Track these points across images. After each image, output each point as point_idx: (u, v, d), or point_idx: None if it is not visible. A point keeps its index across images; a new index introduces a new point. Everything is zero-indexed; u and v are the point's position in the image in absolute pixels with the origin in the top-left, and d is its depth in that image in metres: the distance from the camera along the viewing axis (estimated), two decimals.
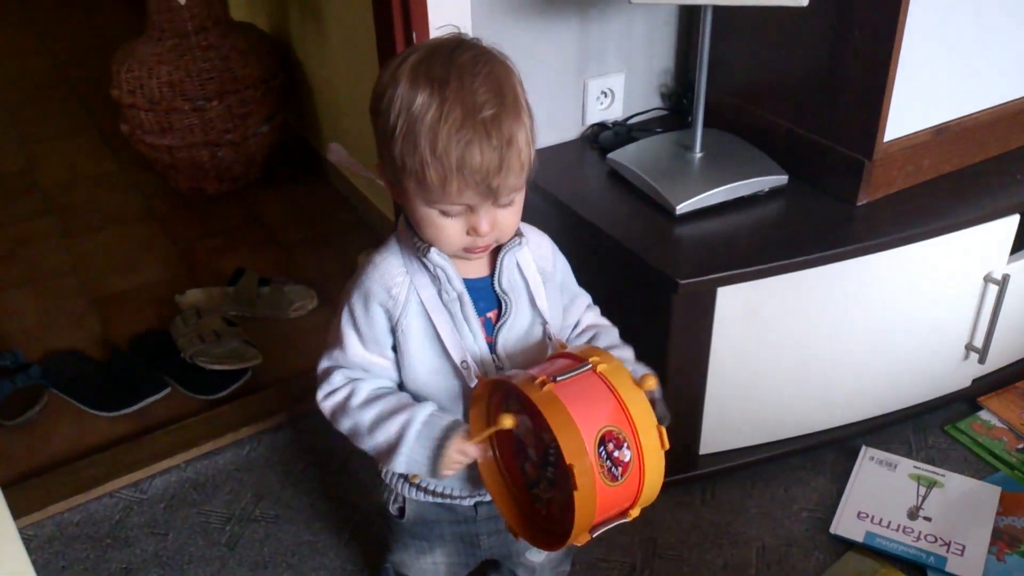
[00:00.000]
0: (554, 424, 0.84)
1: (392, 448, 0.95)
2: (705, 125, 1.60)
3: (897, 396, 1.69)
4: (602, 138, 1.74)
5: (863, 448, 1.66)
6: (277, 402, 1.79)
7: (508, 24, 1.61)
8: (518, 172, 0.88)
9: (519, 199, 0.93)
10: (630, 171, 1.59)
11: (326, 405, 1.01)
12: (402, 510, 1.13)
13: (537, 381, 0.87)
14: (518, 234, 0.98)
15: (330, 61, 2.39)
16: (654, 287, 1.42)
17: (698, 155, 1.60)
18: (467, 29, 1.57)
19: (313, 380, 1.02)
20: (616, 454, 0.86)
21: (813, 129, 1.57)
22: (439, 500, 1.09)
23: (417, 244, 0.95)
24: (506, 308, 0.99)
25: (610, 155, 1.65)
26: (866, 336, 1.58)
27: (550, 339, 1.01)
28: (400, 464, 0.96)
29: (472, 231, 0.90)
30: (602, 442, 0.86)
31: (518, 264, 1.00)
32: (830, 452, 1.68)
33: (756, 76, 1.67)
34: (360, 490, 1.63)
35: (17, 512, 1.55)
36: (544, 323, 1.01)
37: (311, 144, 2.70)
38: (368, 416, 0.98)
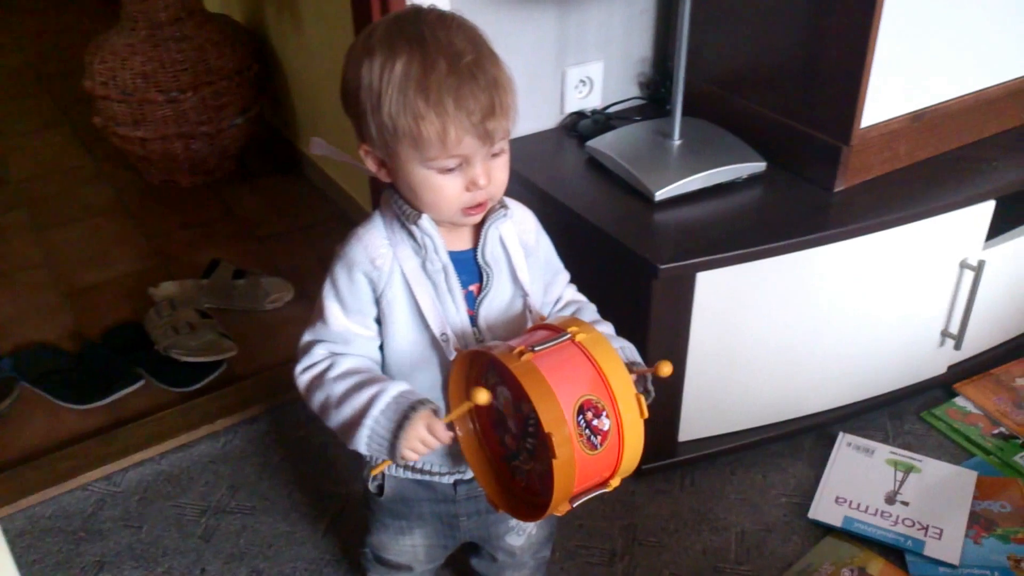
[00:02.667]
0: (532, 394, 0.83)
1: (356, 421, 0.92)
2: (684, 113, 1.60)
3: (874, 383, 1.69)
4: (581, 126, 1.74)
5: (840, 434, 1.67)
6: (253, 393, 1.77)
7: (487, 10, 1.60)
8: (508, 112, 0.88)
9: (507, 151, 0.93)
10: (609, 158, 1.59)
11: (303, 379, 0.99)
12: (381, 487, 1.12)
13: (515, 351, 0.86)
14: (503, 205, 0.98)
15: (306, 52, 2.38)
16: (634, 273, 1.42)
17: (676, 142, 1.60)
18: None
19: (290, 372, 1.00)
20: (595, 423, 0.86)
21: (791, 116, 1.57)
22: (418, 477, 1.09)
23: (406, 212, 0.94)
24: (487, 280, 0.98)
25: (588, 143, 1.64)
26: (843, 322, 1.58)
27: (530, 312, 1.01)
28: (361, 440, 0.92)
29: (471, 185, 0.90)
30: (581, 411, 0.85)
31: (501, 237, 1.00)
32: (808, 438, 1.68)
33: (735, 64, 1.67)
34: (338, 480, 1.61)
35: None
36: (525, 295, 1.01)
37: (286, 136, 2.68)
38: (340, 387, 0.96)
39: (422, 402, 0.91)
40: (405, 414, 0.90)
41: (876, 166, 1.56)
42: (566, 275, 1.11)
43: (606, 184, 1.58)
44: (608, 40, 1.77)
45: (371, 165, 0.95)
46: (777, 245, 1.42)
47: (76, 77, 2.44)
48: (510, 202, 1.01)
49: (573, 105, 1.78)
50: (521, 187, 1.60)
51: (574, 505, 0.90)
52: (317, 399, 0.98)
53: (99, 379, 1.81)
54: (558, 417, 0.83)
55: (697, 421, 1.60)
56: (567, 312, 1.08)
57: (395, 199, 0.96)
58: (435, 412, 0.91)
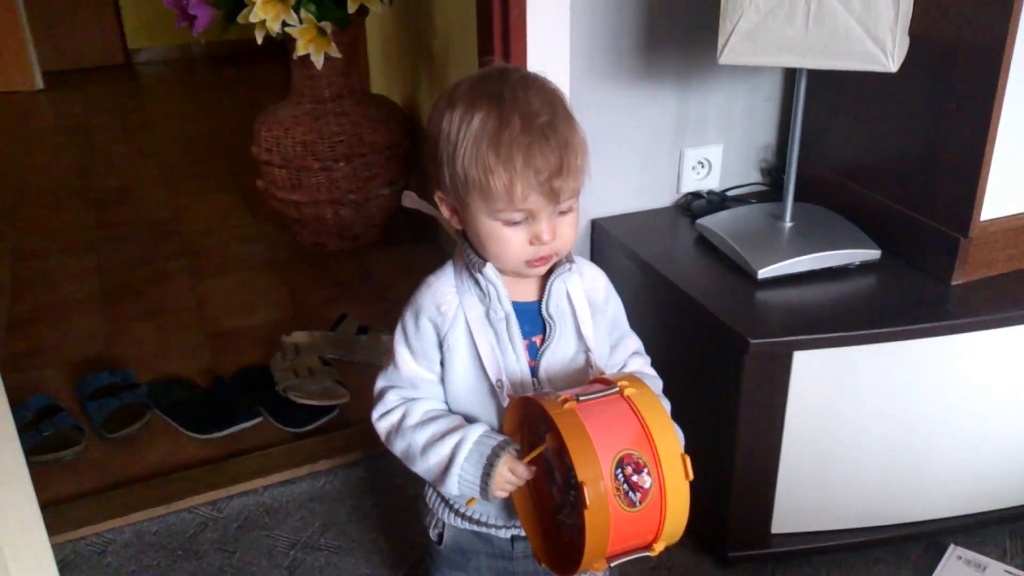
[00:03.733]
0: (568, 440, 0.84)
1: (444, 469, 0.97)
2: (801, 199, 1.59)
3: (993, 494, 1.57)
4: (695, 206, 1.75)
5: (951, 546, 1.55)
6: (358, 440, 1.83)
7: (606, 87, 1.66)
8: (576, 174, 0.92)
9: (576, 209, 0.96)
10: (716, 235, 1.59)
11: (381, 425, 1.05)
12: (441, 536, 1.14)
13: (559, 399, 0.87)
14: (569, 260, 1.01)
15: None
16: (725, 348, 1.40)
17: (788, 224, 1.58)
18: (565, 92, 1.63)
19: None
20: (635, 478, 0.85)
21: (909, 205, 1.53)
22: (475, 528, 1.10)
23: (472, 260, 0.98)
24: (550, 332, 1.01)
25: (699, 221, 1.65)
26: (960, 423, 1.49)
27: (592, 368, 1.02)
28: (452, 484, 0.97)
29: (535, 239, 0.93)
30: (620, 464, 0.85)
31: (568, 292, 1.02)
32: (915, 547, 1.57)
33: (853, 152, 1.65)
34: (423, 531, 1.62)
35: (100, 517, 1.65)
36: (587, 351, 1.02)
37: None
38: (422, 437, 1.00)
39: (503, 446, 0.95)
40: (491, 461, 0.94)
41: (1000, 263, 1.49)
42: (635, 342, 1.12)
43: (711, 261, 1.58)
44: (729, 124, 1.79)
45: (445, 211, 1.00)
46: (886, 331, 1.37)
47: (249, 148, 2.68)
48: (580, 260, 1.04)
49: (689, 185, 1.80)
50: (626, 259, 1.62)
51: (611, 564, 0.88)
52: (399, 447, 1.03)
53: (222, 413, 1.92)
54: (592, 464, 0.83)
55: (793, 513, 1.53)
56: None
57: (465, 248, 1.00)
58: (516, 451, 0.95)
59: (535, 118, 0.90)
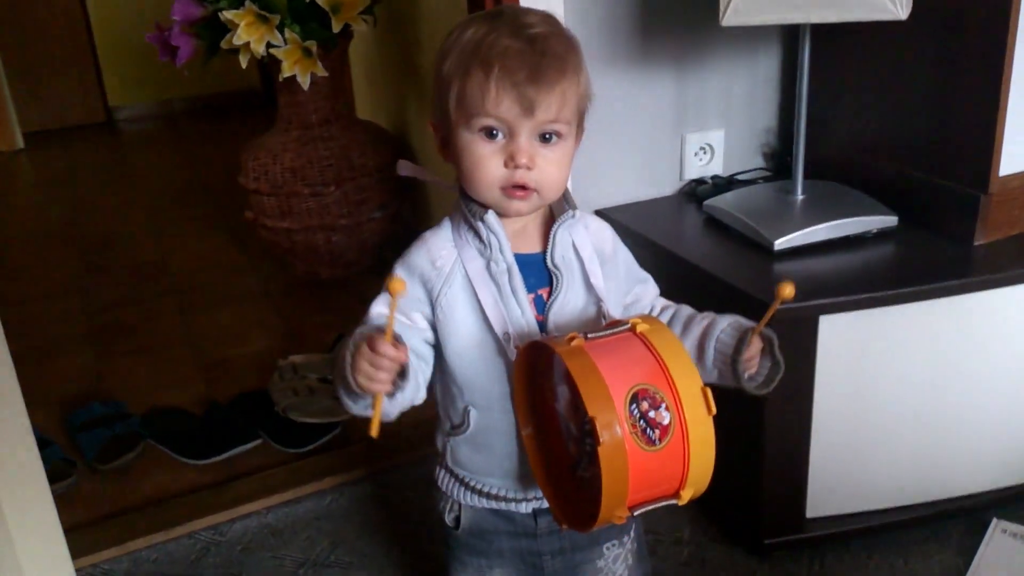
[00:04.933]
0: (576, 375, 0.77)
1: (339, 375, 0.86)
2: (810, 177, 1.55)
3: None
4: (700, 191, 1.71)
5: (994, 520, 1.47)
6: (362, 457, 1.75)
7: (603, 74, 1.62)
8: (558, 92, 0.86)
9: (563, 147, 0.90)
10: (727, 214, 1.55)
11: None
12: (458, 519, 1.06)
13: (566, 338, 0.81)
14: (572, 207, 0.95)
15: None
16: (748, 317, 1.33)
17: (800, 197, 1.54)
18: None
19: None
20: (652, 414, 0.78)
21: (924, 169, 1.49)
22: (494, 505, 1.02)
23: (472, 209, 0.93)
24: (557, 284, 0.95)
25: (707, 202, 1.61)
26: (992, 387, 1.43)
27: (604, 319, 0.95)
28: (342, 395, 0.87)
29: (510, 160, 0.88)
30: (635, 400, 0.78)
31: (573, 243, 0.97)
32: (956, 524, 1.49)
33: (861, 125, 1.62)
34: (435, 540, 1.52)
35: (96, 547, 1.56)
36: (599, 302, 0.96)
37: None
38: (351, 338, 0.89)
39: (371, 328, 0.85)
40: (356, 342, 0.83)
41: (1022, 221, 1.44)
42: (654, 286, 1.06)
43: (724, 239, 1.53)
44: (729, 108, 1.76)
45: (437, 142, 0.95)
46: (913, 290, 1.32)
47: (236, 190, 2.63)
48: (584, 213, 0.99)
49: (693, 172, 1.76)
50: (635, 245, 1.56)
51: (635, 514, 0.81)
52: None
53: (219, 437, 1.84)
54: (604, 400, 0.76)
55: (828, 495, 1.45)
56: (666, 316, 1.02)
57: (463, 200, 0.95)
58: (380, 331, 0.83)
59: (526, 28, 0.86)
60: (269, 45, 2.25)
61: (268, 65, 2.39)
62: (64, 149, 4.49)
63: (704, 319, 0.99)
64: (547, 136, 0.88)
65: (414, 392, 0.92)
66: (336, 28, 2.30)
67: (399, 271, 0.95)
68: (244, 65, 2.31)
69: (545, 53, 0.86)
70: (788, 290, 0.82)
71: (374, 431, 0.83)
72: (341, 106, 2.59)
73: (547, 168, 0.89)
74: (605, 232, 1.02)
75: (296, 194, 2.49)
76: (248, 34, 2.23)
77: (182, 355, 2.29)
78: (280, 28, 2.25)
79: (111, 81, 4.89)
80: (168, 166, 4.13)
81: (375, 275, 2.67)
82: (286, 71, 2.30)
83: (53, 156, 4.39)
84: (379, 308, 0.94)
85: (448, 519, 1.07)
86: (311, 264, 2.64)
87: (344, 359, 0.84)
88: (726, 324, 0.96)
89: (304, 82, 2.31)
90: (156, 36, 2.47)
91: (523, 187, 0.89)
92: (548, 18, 0.90)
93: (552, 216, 0.97)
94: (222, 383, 2.12)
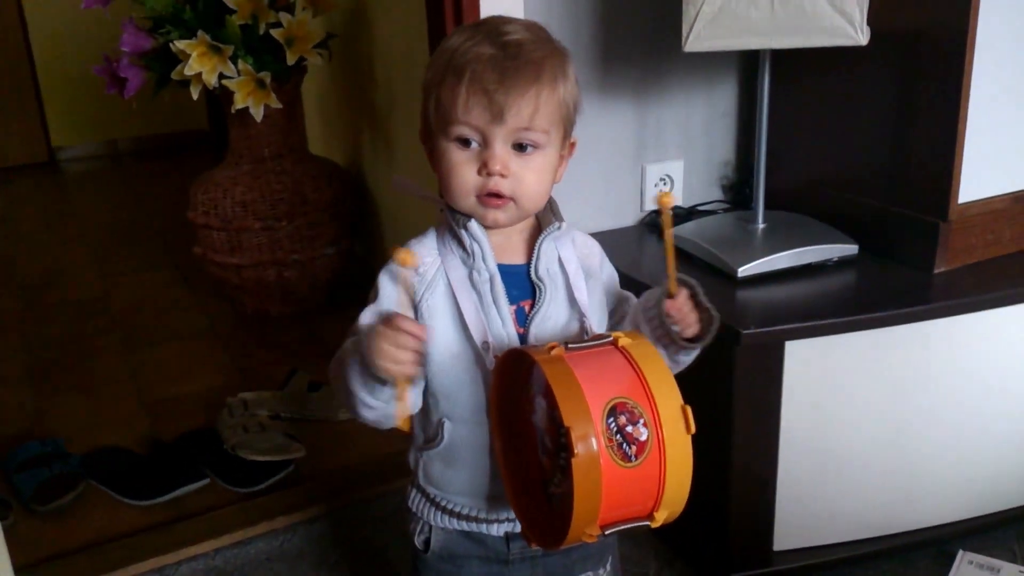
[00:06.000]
0: (554, 384, 0.75)
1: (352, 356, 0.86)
2: (769, 208, 1.55)
3: (998, 495, 1.50)
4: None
5: (960, 552, 1.46)
6: (317, 494, 1.69)
7: None
8: (531, 101, 0.85)
9: (542, 158, 0.89)
10: (690, 242, 1.54)
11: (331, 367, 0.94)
12: (427, 542, 1.02)
13: (546, 347, 0.79)
14: (558, 219, 0.93)
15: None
16: (715, 343, 1.32)
17: (761, 226, 1.54)
18: None
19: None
20: (629, 429, 0.76)
21: (883, 199, 1.50)
22: (464, 526, 0.99)
23: (456, 218, 0.91)
24: (540, 296, 0.92)
25: None
26: (956, 416, 1.43)
27: (587, 334, 0.93)
28: (355, 369, 0.85)
29: (483, 168, 0.86)
30: (612, 413, 0.75)
31: (560, 256, 0.95)
32: (923, 556, 1.48)
33: (820, 157, 1.63)
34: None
35: None
36: (582, 317, 0.94)
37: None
38: (346, 344, 0.90)
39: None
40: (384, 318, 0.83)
41: (979, 248, 1.46)
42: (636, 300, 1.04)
43: (687, 267, 1.51)
44: (688, 139, 1.77)
45: (427, 153, 0.94)
46: (879, 316, 1.32)
47: (183, 228, 2.57)
48: (573, 229, 0.98)
49: (654, 204, 1.75)
50: None
51: (607, 533, 0.78)
52: (333, 371, 0.93)
53: (164, 477, 1.76)
54: (581, 412, 0.74)
55: (795, 528, 1.43)
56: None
57: (447, 210, 0.93)
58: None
59: (503, 35, 0.86)
60: (222, 76, 2.21)
61: (220, 97, 2.35)
62: (4, 187, 4.37)
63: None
64: (523, 146, 0.87)
65: (418, 395, 0.92)
66: (291, 61, 2.27)
67: (384, 280, 0.94)
68: (195, 96, 2.26)
69: (518, 57, 0.84)
70: (667, 198, 0.85)
71: (401, 421, 0.84)
72: (294, 140, 2.55)
73: (524, 176, 0.88)
74: (593, 248, 1.01)
75: (247, 229, 2.44)
76: (200, 64, 2.19)
77: (125, 393, 2.20)
78: (233, 60, 2.22)
79: (55, 122, 4.78)
80: (112, 205, 4.04)
81: (327, 313, 2.61)
82: (239, 102, 2.26)
83: None
84: (368, 320, 0.91)
85: (417, 541, 1.03)
86: (261, 300, 2.57)
87: (363, 346, 0.82)
88: (650, 291, 0.95)
89: (257, 114, 2.27)
90: (104, 68, 2.42)
91: (498, 195, 0.88)
92: (532, 26, 0.89)
93: (539, 228, 0.95)
94: (167, 421, 2.04)
